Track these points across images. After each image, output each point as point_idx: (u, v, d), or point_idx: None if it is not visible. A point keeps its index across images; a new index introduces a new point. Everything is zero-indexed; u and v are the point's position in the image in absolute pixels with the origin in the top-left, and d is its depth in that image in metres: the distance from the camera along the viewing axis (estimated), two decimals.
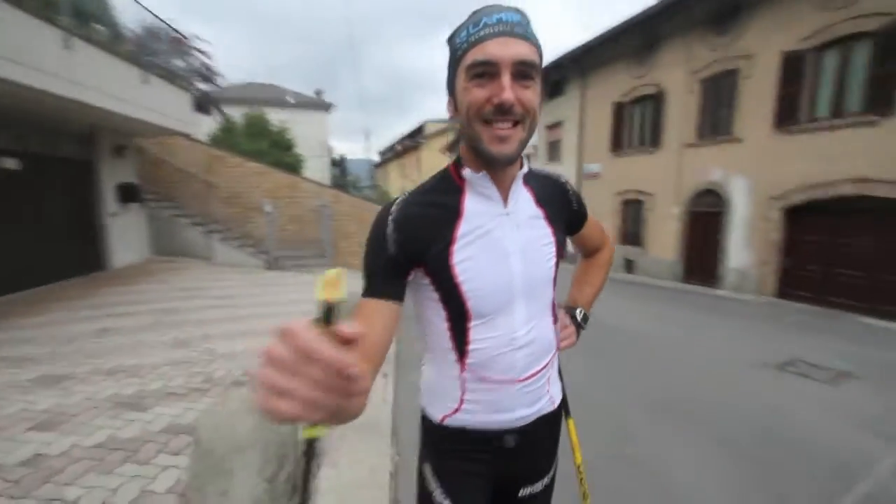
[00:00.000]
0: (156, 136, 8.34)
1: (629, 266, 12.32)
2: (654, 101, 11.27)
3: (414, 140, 37.80)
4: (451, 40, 0.79)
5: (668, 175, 10.78)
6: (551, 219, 0.90)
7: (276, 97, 21.86)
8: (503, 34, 0.70)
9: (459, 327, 0.84)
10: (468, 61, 0.73)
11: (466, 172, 0.82)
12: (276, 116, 17.83)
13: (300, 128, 19.20)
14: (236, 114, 16.56)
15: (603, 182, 13.38)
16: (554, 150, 16.25)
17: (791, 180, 8.07)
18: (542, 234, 0.88)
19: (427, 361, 0.96)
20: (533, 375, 0.88)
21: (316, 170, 19.27)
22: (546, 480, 1.02)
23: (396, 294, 0.79)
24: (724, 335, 5.82)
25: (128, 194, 7.83)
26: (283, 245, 9.49)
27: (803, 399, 3.77)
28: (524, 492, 1.00)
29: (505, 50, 0.70)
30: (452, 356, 0.86)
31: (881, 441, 3.04)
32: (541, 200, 0.90)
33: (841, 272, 7.51)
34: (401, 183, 42.45)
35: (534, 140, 18.78)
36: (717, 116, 9.59)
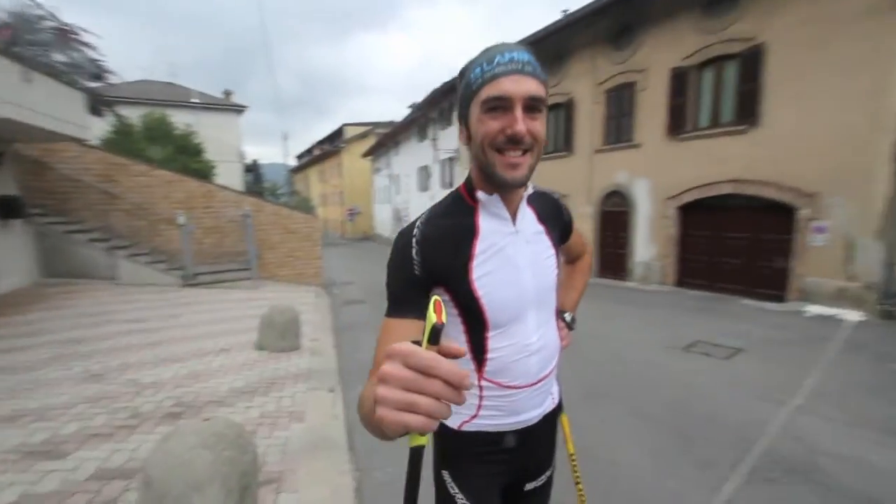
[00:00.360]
0: (43, 142, 7.30)
1: None
2: (566, 109, 12.16)
3: (334, 145, 36.72)
4: (463, 74, 0.86)
5: (581, 178, 11.69)
6: (551, 233, 1.01)
7: (179, 97, 20.07)
8: (515, 72, 0.78)
9: (478, 338, 0.91)
10: (483, 96, 0.80)
11: (480, 195, 0.90)
12: (180, 119, 16.39)
13: (209, 131, 17.85)
14: (132, 115, 14.96)
15: None
16: None
17: (683, 182, 9.19)
18: (545, 248, 0.98)
19: None
20: (544, 378, 0.98)
21: (228, 176, 18.02)
22: (549, 473, 1.11)
23: (421, 313, 0.84)
24: (637, 323, 6.49)
25: (8, 209, 6.76)
26: (202, 259, 8.79)
27: (707, 374, 4.37)
28: (530, 486, 1.08)
29: (517, 87, 0.78)
30: (471, 365, 0.92)
31: (771, 405, 3.64)
32: (542, 217, 1.00)
33: (725, 261, 8.71)
34: (321, 189, 41.05)
35: (455, 145, 19.19)
36: (620, 124, 10.61)
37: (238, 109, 21.86)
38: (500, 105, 0.79)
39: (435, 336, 0.45)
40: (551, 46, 12.07)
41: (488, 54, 0.81)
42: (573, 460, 1.19)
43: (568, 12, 11.59)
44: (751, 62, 7.95)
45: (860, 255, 6.82)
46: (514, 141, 0.79)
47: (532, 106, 0.79)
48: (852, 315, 6.61)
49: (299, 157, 52.64)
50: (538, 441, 1.05)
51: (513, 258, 0.91)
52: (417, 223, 0.90)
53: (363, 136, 33.81)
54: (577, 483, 1.19)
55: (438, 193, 20.09)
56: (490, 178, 0.86)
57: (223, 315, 6.40)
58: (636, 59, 9.98)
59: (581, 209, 11.74)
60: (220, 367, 4.28)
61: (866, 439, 3.07)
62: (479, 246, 0.89)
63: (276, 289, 9.01)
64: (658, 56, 9.46)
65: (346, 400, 3.79)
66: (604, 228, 11.33)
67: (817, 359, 4.75)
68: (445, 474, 1.01)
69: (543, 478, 1.11)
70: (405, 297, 0.86)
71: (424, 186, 21.85)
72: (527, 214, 0.96)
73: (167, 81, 22.55)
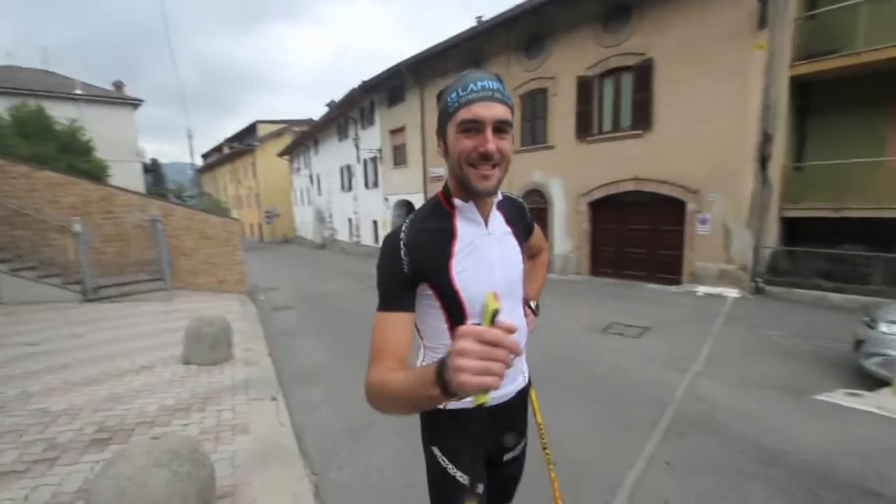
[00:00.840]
0: None
1: None
2: None
3: (246, 143, 34.46)
4: (440, 97, 0.98)
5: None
6: (517, 234, 1.16)
7: (59, 88, 17.62)
8: (486, 99, 0.90)
9: (458, 326, 1.04)
10: (459, 118, 0.92)
11: (457, 202, 1.03)
12: (61, 112, 14.42)
13: (99, 127, 15.91)
14: None
15: None
16: (399, 153, 16.86)
17: (592, 180, 10.09)
18: (513, 246, 1.13)
19: (427, 358, 1.14)
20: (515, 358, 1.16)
21: (125, 177, 16.21)
22: (523, 444, 1.27)
23: (412, 306, 0.99)
24: (561, 310, 7.07)
25: None
26: (104, 271, 7.89)
27: (622, 351, 4.94)
28: (508, 456, 1.23)
29: (488, 111, 0.90)
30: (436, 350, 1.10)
31: (676, 373, 4.24)
32: (509, 220, 1.15)
33: (631, 251, 9.75)
34: (235, 190, 38.31)
35: (377, 144, 19.04)
36: (535, 127, 11.34)
37: (133, 103, 19.70)
38: (473, 127, 0.91)
39: (494, 317, 0.61)
40: (467, 52, 12.53)
41: (464, 81, 0.93)
42: (540, 428, 1.39)
43: (482, 19, 12.12)
44: (643, 74, 8.95)
45: (735, 242, 8.05)
46: (486, 157, 0.93)
47: (500, 128, 0.92)
48: (732, 292, 7.79)
49: (206, 155, 48.61)
50: (514, 415, 1.20)
51: (486, 256, 1.04)
52: (403, 228, 1.01)
53: (278, 134, 32.18)
54: (545, 448, 1.39)
55: (363, 194, 19.84)
56: (466, 188, 0.99)
57: (137, 331, 5.87)
58: (546, 67, 10.73)
59: None
60: (143, 386, 3.97)
61: (750, 394, 3.73)
62: (458, 246, 1.02)
63: (194, 299, 8.38)
64: (565, 65, 10.26)
65: (291, 406, 3.74)
66: None
67: (708, 331, 5.58)
68: (435, 449, 1.12)
69: (518, 449, 1.26)
70: (397, 293, 0.97)
71: (348, 186, 21.42)
72: (497, 218, 1.11)
73: (42, 69, 19.67)
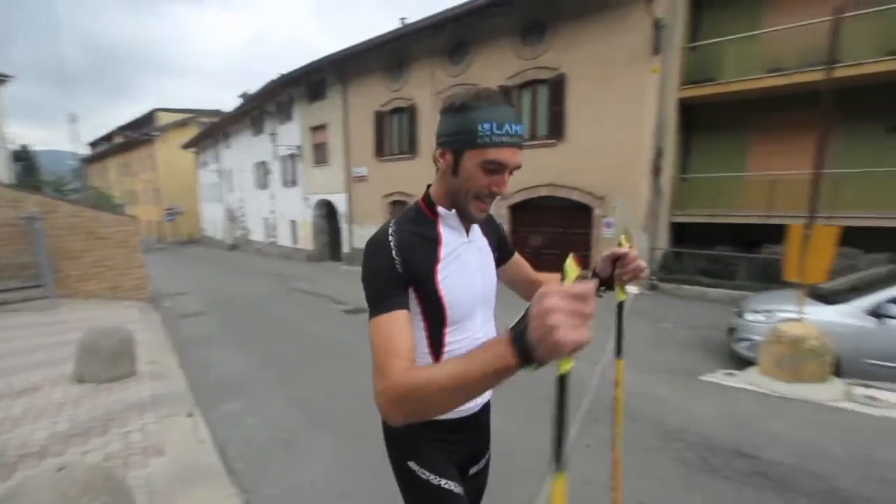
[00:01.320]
0: None
1: None
2: (409, 114, 12.78)
3: (144, 132, 31.01)
4: (462, 110, 0.94)
5: (424, 179, 12.12)
6: (492, 245, 1.20)
7: None
8: (514, 145, 0.94)
9: (436, 333, 1.04)
10: (488, 157, 0.92)
11: (441, 210, 1.05)
12: None
13: None
14: None
15: (370, 184, 14.33)
16: (320, 152, 16.33)
17: (513, 185, 10.51)
18: (489, 256, 1.17)
19: None
20: None
21: None
22: (488, 455, 1.26)
23: (407, 304, 0.95)
24: None
25: None
26: None
27: None
28: (473, 469, 1.22)
29: (514, 158, 0.95)
30: (429, 359, 1.05)
31: (589, 364, 4.64)
32: (485, 232, 1.19)
33: (547, 252, 10.43)
34: (130, 184, 34.23)
35: (296, 141, 18.30)
36: None
37: None
38: (496, 168, 0.94)
39: (576, 280, 0.63)
40: (393, 53, 12.53)
41: (499, 117, 0.91)
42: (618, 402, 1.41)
43: (406, 21, 12.20)
44: (557, 88, 9.65)
45: (635, 244, 8.97)
46: (493, 196, 0.98)
47: (512, 171, 0.98)
48: (633, 290, 8.61)
49: (94, 144, 42.92)
50: (480, 426, 1.21)
51: (468, 263, 1.06)
52: (390, 231, 0.99)
53: (182, 124, 29.43)
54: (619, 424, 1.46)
55: (281, 192, 18.89)
56: (461, 212, 1.02)
57: (12, 347, 5.09)
58: (469, 74, 11.10)
59: None
60: (26, 410, 3.49)
61: (653, 379, 4.24)
62: (443, 252, 1.03)
63: (84, 308, 7.42)
64: (487, 74, 10.70)
65: (211, 422, 3.52)
66: None
67: (612, 323, 6.18)
68: (412, 464, 1.09)
69: (483, 461, 1.26)
70: (392, 293, 0.93)
71: (263, 184, 20.24)
72: (475, 228, 1.14)
73: None
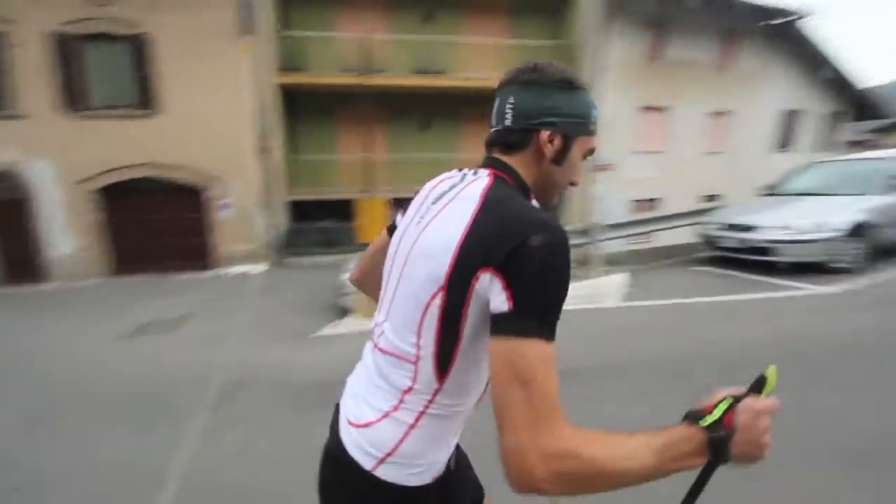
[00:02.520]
0: None
1: None
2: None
3: None
4: (581, 97, 0.82)
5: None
6: None
7: None
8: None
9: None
10: (592, 145, 0.85)
11: (535, 204, 0.85)
12: None
13: None
14: None
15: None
16: None
17: (95, 163, 8.53)
18: None
19: (429, 418, 0.79)
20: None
21: None
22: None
23: None
24: (74, 327, 5.81)
25: None
26: None
27: (162, 347, 4.74)
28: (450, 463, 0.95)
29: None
30: (476, 400, 0.85)
31: (217, 348, 4.57)
32: None
33: (157, 242, 9.13)
34: None
35: None
36: None
37: None
38: (586, 158, 0.87)
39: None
40: None
41: (593, 102, 0.84)
42: None
43: None
44: (141, 49, 8.32)
45: (255, 223, 9.23)
46: (573, 185, 0.89)
47: None
48: (260, 268, 8.97)
49: None
50: (462, 459, 1.00)
51: None
52: (556, 223, 0.69)
53: None
54: None
55: None
56: (544, 196, 0.86)
57: None
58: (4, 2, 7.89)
59: None
60: None
61: (277, 344, 4.64)
62: None
63: None
64: (30, 10, 7.92)
65: None
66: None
67: (242, 305, 6.30)
68: None
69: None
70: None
71: None
72: None
73: None
